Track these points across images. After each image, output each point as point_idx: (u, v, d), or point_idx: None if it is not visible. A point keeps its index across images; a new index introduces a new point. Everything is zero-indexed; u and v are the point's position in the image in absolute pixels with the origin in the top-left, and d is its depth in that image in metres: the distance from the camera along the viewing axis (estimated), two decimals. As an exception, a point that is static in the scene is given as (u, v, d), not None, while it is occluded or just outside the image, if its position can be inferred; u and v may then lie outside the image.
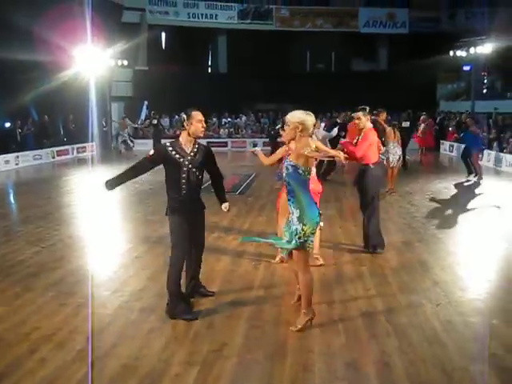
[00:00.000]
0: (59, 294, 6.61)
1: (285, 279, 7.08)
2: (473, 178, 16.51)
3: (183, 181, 5.79)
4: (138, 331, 5.50)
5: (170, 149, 5.83)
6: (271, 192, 14.34)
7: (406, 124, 20.40)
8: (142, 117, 30.87)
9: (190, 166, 5.79)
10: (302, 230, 5.24)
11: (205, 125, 6.00)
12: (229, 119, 33.03)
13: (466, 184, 16.04)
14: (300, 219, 5.27)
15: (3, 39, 20.11)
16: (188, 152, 5.83)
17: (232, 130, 32.27)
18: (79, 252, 8.69)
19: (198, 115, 5.80)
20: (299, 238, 5.26)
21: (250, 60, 33.56)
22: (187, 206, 5.81)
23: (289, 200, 5.37)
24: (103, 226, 10.61)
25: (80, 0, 22.52)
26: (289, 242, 5.35)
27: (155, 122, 27.06)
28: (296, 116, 5.37)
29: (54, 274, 7.42)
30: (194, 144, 5.88)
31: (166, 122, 31.79)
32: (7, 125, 24.08)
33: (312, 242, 5.39)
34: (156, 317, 5.84)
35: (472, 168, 16.79)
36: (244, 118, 33.25)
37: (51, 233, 9.96)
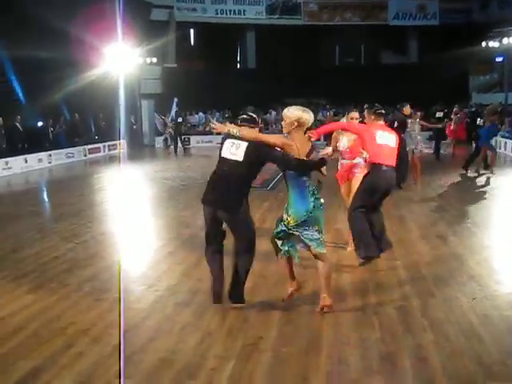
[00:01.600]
0: (94, 289, 6.68)
1: (318, 273, 7.05)
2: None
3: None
4: (174, 326, 5.53)
5: None
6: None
7: (439, 114, 20.21)
8: (173, 114, 31.01)
9: None
10: (286, 219, 5.60)
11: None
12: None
13: (498, 177, 15.72)
14: (286, 210, 5.62)
15: (35, 38, 20.40)
16: None
17: (262, 125, 32.18)
18: (112, 248, 8.79)
19: None
20: (286, 226, 5.63)
21: (279, 55, 33.49)
22: None
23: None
24: (135, 222, 10.70)
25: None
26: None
27: (180, 119, 27.22)
28: (293, 112, 5.56)
29: (88, 270, 7.50)
30: None
31: (195, 118, 31.94)
32: (40, 124, 24.40)
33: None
34: (191, 311, 5.87)
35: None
36: (273, 113, 33.19)
37: (84, 230, 10.07)
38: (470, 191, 13.51)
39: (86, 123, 27.44)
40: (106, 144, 26.94)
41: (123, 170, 21.36)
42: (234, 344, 5.07)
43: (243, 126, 5.67)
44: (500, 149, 21.25)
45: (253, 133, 5.63)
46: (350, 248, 7.72)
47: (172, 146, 26.66)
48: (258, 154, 5.53)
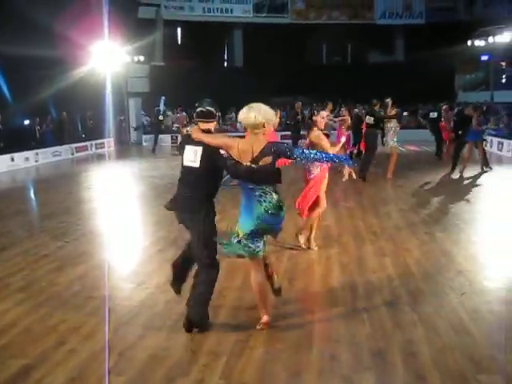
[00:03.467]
0: (84, 287, 6.67)
1: (308, 270, 7.10)
2: (486, 169, 16.20)
3: None
4: (165, 323, 5.54)
5: None
6: (290, 184, 14.37)
7: (433, 115, 20.26)
8: (160, 112, 30.93)
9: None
10: (236, 230, 5.21)
11: None
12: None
13: (485, 175, 15.83)
14: (237, 220, 5.27)
15: (21, 36, 20.27)
16: None
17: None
18: (102, 246, 8.77)
19: None
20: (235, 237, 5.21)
21: (266, 53, 33.47)
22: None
23: None
24: (124, 220, 10.68)
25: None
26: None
27: (161, 117, 27.14)
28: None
29: (78, 268, 7.48)
30: None
31: (183, 116, 31.87)
32: (26, 122, 24.27)
33: (252, 248, 5.18)
34: (181, 309, 5.83)
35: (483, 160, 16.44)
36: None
37: (73, 228, 10.04)
38: (458, 189, 13.59)
39: (73, 122, 27.30)
40: (94, 142, 26.83)
41: (111, 168, 21.30)
42: (225, 340, 5.08)
43: (200, 121, 5.37)
44: (486, 147, 21.36)
45: (198, 133, 5.26)
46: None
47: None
48: (212, 158, 5.23)
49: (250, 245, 5.14)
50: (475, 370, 4.44)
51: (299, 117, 19.22)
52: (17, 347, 5.06)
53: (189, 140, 5.38)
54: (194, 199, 5.30)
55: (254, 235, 5.12)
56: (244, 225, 5.14)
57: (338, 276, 6.95)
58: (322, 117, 8.07)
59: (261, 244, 5.20)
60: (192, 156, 5.28)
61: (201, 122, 5.39)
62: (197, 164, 5.25)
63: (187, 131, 5.29)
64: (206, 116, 5.39)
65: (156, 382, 4.41)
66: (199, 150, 5.23)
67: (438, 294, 6.17)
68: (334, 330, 5.29)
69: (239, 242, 5.16)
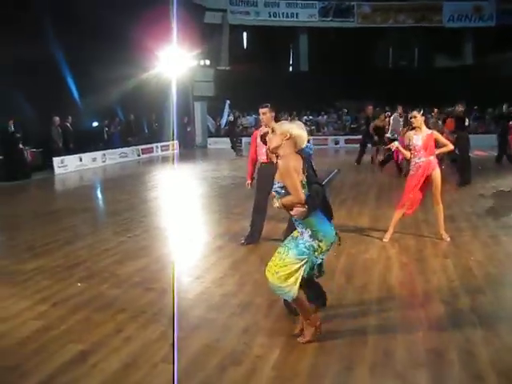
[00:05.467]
0: (144, 279, 6.80)
1: (365, 268, 7.03)
2: None
3: None
4: (219, 315, 5.59)
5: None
6: (352, 187, 14.29)
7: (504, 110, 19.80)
8: (225, 115, 31.24)
9: None
10: (319, 246, 4.67)
11: None
12: (310, 117, 32.92)
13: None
14: (314, 236, 4.68)
15: (90, 39, 20.85)
16: None
17: (314, 127, 32.14)
18: (163, 242, 8.92)
19: None
20: (316, 252, 4.69)
21: (332, 57, 33.36)
22: None
23: (296, 221, 4.77)
24: (187, 218, 10.83)
25: (166, 2, 23.06)
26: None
27: (232, 118, 27.32)
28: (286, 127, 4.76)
29: (139, 261, 7.64)
30: None
31: (247, 120, 32.12)
32: (95, 124, 24.96)
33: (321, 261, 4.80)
34: (237, 302, 5.91)
35: None
36: (325, 116, 33.14)
37: (136, 224, 10.25)
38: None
39: (139, 124, 27.92)
40: (159, 144, 27.37)
41: (175, 169, 21.65)
42: (279, 334, 5.08)
43: None
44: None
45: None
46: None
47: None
48: None
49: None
50: (535, 372, 4.30)
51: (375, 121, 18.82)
52: (76, 333, 5.21)
53: None
54: None
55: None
56: (328, 237, 4.74)
57: (398, 275, 6.85)
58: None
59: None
60: None
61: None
62: None
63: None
64: None
65: (208, 370, 4.45)
66: None
67: (501, 297, 6.00)
68: (390, 327, 5.20)
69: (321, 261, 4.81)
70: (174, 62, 24.81)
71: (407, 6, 34.13)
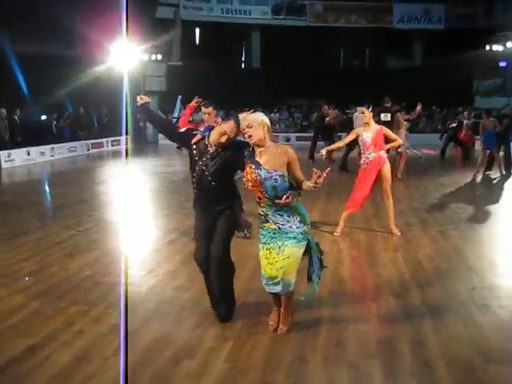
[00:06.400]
0: (95, 273, 6.71)
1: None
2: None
3: (196, 181, 5.06)
4: (172, 308, 5.55)
5: (194, 141, 5.09)
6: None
7: (453, 125, 20.37)
8: (177, 111, 30.97)
9: (204, 168, 4.96)
10: (308, 229, 4.83)
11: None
12: (262, 114, 32.88)
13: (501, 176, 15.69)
14: (303, 221, 4.77)
15: (39, 33, 20.42)
16: (210, 152, 4.96)
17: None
18: (114, 236, 8.81)
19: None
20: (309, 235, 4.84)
21: (284, 55, 33.46)
22: (202, 203, 5.15)
23: (278, 211, 4.71)
24: (137, 212, 10.72)
25: (116, -5, 22.75)
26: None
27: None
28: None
29: (89, 255, 7.53)
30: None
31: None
32: (43, 117, 24.43)
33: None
34: (189, 296, 5.88)
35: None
36: (278, 113, 33.25)
37: (86, 218, 10.09)
38: (472, 189, 13.50)
39: (89, 118, 27.44)
40: (109, 139, 26.93)
41: (126, 164, 21.36)
42: (232, 326, 5.08)
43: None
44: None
45: None
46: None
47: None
48: None
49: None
50: (483, 361, 4.40)
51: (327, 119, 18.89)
52: (25, 327, 5.09)
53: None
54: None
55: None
56: (308, 220, 4.88)
57: (349, 268, 6.93)
58: None
59: None
60: None
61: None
62: None
63: None
64: None
65: (161, 363, 4.41)
66: None
67: (448, 289, 6.12)
68: (342, 319, 5.25)
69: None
70: (124, 56, 24.50)
71: (359, 6, 34.47)
